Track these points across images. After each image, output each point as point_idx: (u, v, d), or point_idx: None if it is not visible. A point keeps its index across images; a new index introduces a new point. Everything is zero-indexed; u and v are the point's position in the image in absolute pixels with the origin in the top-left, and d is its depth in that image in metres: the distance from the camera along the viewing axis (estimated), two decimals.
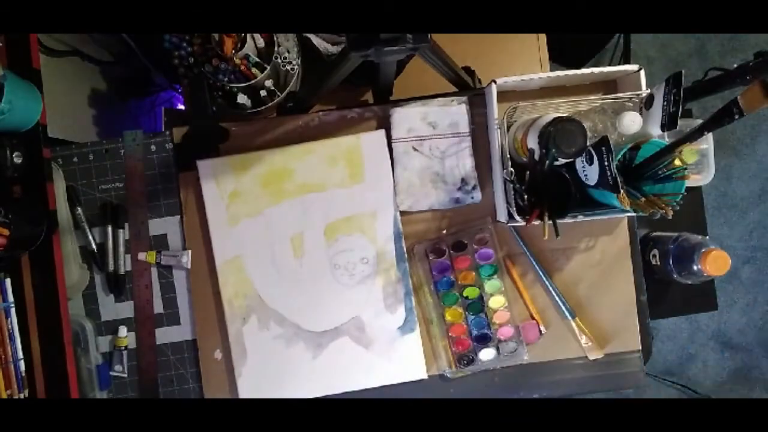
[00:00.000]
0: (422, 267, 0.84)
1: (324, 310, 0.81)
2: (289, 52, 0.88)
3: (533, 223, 0.72)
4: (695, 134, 0.62)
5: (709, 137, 1.05)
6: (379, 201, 0.83)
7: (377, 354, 0.82)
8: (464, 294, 0.83)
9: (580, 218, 0.75)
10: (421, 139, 0.82)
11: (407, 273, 0.83)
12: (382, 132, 0.82)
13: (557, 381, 0.84)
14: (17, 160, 0.73)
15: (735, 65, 0.83)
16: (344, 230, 0.82)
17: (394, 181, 0.82)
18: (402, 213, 0.83)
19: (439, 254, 0.83)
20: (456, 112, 0.82)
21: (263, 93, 0.87)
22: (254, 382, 0.81)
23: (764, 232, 1.81)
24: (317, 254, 0.82)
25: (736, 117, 0.57)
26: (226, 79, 0.83)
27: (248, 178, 0.81)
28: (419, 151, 0.81)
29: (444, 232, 0.84)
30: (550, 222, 0.70)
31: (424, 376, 0.83)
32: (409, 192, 0.82)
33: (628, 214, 0.78)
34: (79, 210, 0.82)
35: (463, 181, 0.82)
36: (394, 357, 0.82)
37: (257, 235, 0.82)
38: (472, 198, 0.82)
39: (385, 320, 0.82)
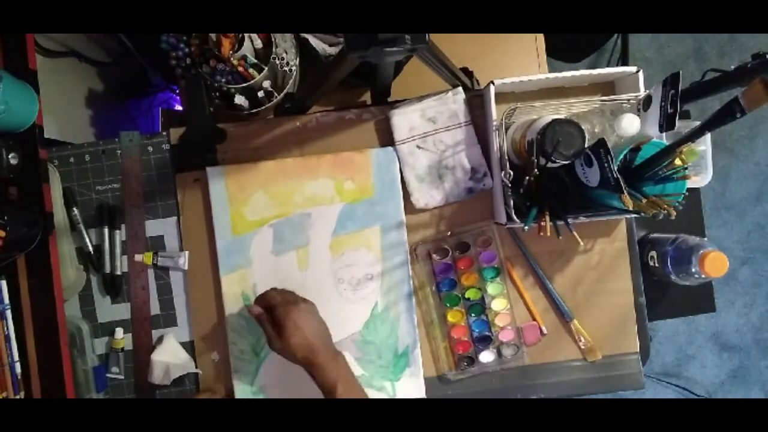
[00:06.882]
0: (425, 267, 0.83)
1: None
2: (286, 53, 0.88)
3: (533, 225, 0.72)
4: (696, 134, 0.62)
5: (707, 138, 1.05)
6: (388, 217, 0.82)
7: (376, 372, 0.82)
8: (466, 295, 0.83)
9: (581, 219, 0.75)
10: (423, 137, 0.81)
11: (411, 291, 0.82)
12: (391, 149, 0.82)
13: (555, 383, 0.84)
14: (13, 161, 0.72)
15: (733, 66, 0.84)
16: (350, 245, 0.82)
17: (403, 183, 0.82)
18: (410, 212, 0.83)
19: (442, 255, 0.83)
20: (453, 103, 0.82)
21: (261, 94, 0.86)
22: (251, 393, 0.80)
23: (762, 234, 1.81)
24: (322, 268, 0.81)
25: (738, 116, 0.57)
26: (223, 80, 0.83)
27: (257, 187, 0.81)
28: (424, 149, 0.81)
29: (448, 233, 0.84)
30: (551, 223, 0.70)
31: (422, 395, 0.82)
32: (422, 190, 0.82)
33: (629, 216, 0.78)
34: (76, 211, 0.82)
35: (473, 170, 0.82)
36: (393, 376, 0.82)
37: (262, 245, 0.81)
38: (484, 185, 0.82)
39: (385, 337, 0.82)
